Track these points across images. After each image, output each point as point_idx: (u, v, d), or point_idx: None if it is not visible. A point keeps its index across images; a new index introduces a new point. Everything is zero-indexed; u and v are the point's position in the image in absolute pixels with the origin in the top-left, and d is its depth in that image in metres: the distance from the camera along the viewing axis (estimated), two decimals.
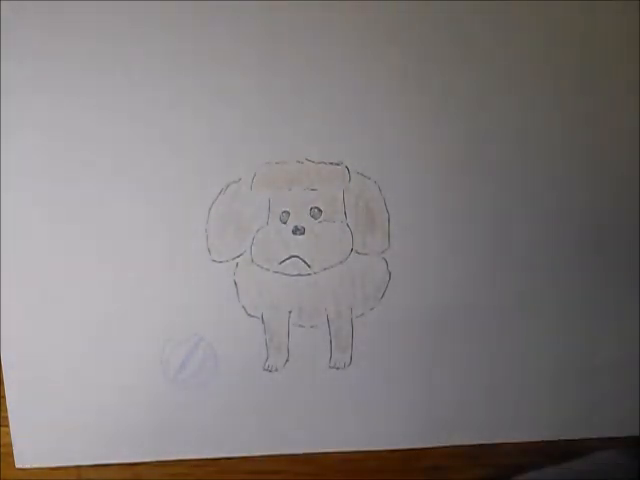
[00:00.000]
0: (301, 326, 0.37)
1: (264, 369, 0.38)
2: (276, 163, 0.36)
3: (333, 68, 0.35)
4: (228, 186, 0.36)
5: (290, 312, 0.37)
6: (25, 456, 0.38)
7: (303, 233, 0.36)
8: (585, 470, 0.37)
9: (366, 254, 0.37)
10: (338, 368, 0.38)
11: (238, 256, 0.37)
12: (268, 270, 0.37)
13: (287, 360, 0.38)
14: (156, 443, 0.38)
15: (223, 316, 0.37)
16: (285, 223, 0.36)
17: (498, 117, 0.36)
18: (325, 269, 0.37)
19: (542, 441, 0.39)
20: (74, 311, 0.37)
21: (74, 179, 0.36)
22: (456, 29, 0.35)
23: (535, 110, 0.36)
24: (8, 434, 0.37)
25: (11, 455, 0.38)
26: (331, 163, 0.36)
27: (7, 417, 0.37)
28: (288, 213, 0.36)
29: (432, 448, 0.39)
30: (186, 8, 0.35)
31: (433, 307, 0.37)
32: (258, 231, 0.36)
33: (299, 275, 0.37)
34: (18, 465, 0.38)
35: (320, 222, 0.36)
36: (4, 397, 0.37)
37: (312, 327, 0.37)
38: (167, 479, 0.39)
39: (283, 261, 0.37)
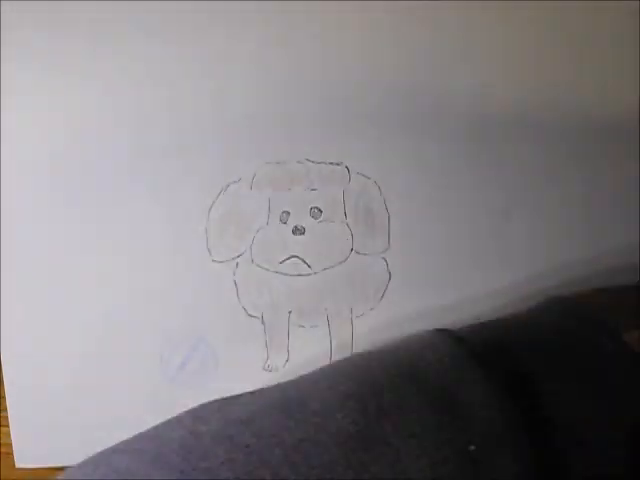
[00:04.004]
0: (301, 326, 0.37)
1: (264, 369, 0.37)
2: (276, 163, 0.36)
3: (333, 68, 0.35)
4: (228, 186, 0.36)
5: (290, 312, 0.37)
6: (25, 456, 0.38)
7: (303, 233, 0.36)
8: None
9: (366, 254, 0.37)
10: None
11: (238, 256, 0.37)
12: (268, 270, 0.37)
13: (287, 360, 0.38)
14: None
15: (223, 316, 0.37)
16: (285, 223, 0.36)
17: (498, 117, 0.36)
18: (325, 269, 0.37)
19: None
20: (74, 311, 0.37)
21: (74, 179, 0.36)
22: (456, 29, 0.35)
23: (536, 110, 0.36)
24: (8, 434, 0.37)
25: (11, 455, 0.38)
26: (331, 163, 0.36)
27: (7, 417, 0.37)
28: (288, 213, 0.36)
29: None
30: (186, 8, 0.35)
31: (433, 307, 0.37)
32: (258, 231, 0.36)
33: (299, 275, 0.37)
34: (18, 465, 0.38)
35: (320, 222, 0.36)
36: (4, 397, 0.37)
37: (312, 327, 0.37)
38: None
39: (283, 261, 0.36)
